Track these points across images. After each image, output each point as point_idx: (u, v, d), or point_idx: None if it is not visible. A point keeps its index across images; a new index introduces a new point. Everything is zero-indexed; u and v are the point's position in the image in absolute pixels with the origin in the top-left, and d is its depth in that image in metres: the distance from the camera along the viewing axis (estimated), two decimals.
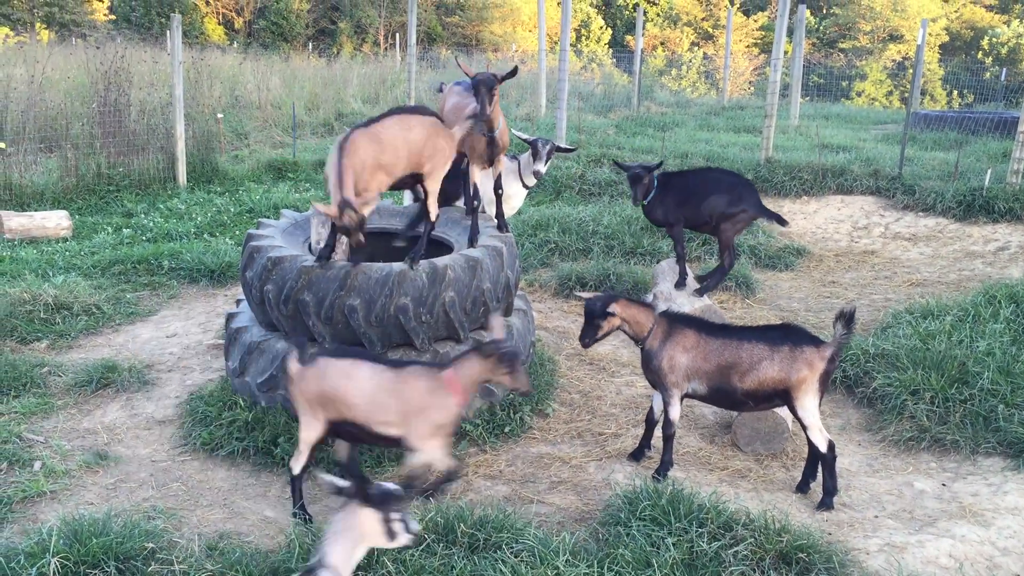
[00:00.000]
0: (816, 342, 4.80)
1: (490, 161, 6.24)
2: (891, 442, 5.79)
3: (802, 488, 5.12)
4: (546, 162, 7.03)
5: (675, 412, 5.07)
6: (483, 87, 5.58)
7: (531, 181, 7.28)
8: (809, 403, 4.77)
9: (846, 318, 4.71)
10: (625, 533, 4.29)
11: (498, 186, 6.45)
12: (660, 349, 5.00)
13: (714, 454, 5.65)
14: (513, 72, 5.93)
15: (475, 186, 6.40)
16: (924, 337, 6.54)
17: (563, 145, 7.36)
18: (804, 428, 4.85)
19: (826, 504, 4.90)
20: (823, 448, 4.83)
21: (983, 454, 5.53)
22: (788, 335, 4.84)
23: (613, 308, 5.05)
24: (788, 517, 4.62)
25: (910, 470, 5.46)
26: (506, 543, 4.16)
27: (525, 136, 7.15)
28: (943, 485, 5.24)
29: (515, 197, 7.39)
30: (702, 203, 6.99)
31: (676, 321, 5.10)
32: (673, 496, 4.46)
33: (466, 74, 5.81)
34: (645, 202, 6.82)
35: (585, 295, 5.30)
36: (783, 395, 4.81)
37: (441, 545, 4.19)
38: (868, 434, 5.97)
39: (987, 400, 5.74)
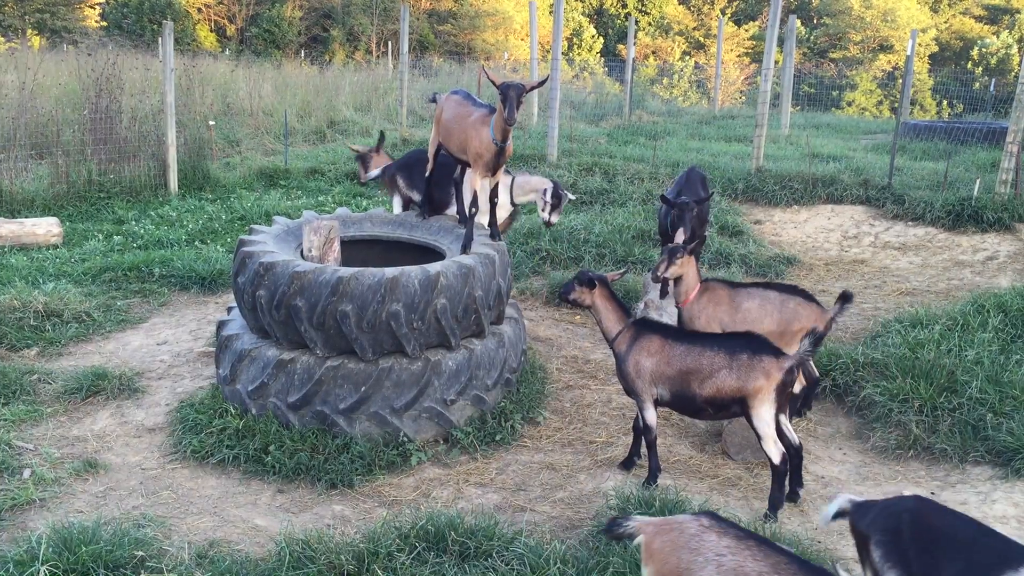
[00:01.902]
0: (776, 353, 4.80)
1: (494, 170, 6.27)
2: (880, 450, 5.81)
3: (791, 497, 5.13)
4: (559, 212, 7.27)
5: (650, 416, 5.10)
6: (512, 92, 5.62)
7: (521, 201, 7.37)
8: (764, 413, 4.76)
9: (815, 337, 4.72)
10: (616, 542, 4.29)
11: (494, 195, 6.48)
12: (627, 353, 5.07)
13: (704, 462, 5.66)
14: (543, 82, 6.06)
15: (474, 193, 6.41)
16: (913, 346, 6.57)
17: (570, 195, 7.54)
18: (758, 438, 4.84)
19: (769, 518, 4.87)
20: (776, 460, 4.81)
21: (972, 463, 5.56)
22: (749, 344, 4.86)
23: (583, 288, 5.25)
24: (778, 525, 4.65)
25: (899, 479, 5.48)
26: (497, 551, 4.17)
27: (541, 187, 7.25)
28: (932, 494, 5.26)
29: (503, 209, 7.45)
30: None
31: (643, 327, 5.15)
32: (663, 504, 4.47)
33: (492, 82, 5.84)
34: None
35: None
36: (740, 403, 4.81)
37: (432, 553, 4.19)
38: (857, 442, 6.00)
39: (976, 409, 5.77)
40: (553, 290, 8.73)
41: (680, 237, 6.45)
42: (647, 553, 3.26)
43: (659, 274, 5.71)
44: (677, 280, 5.82)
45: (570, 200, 7.54)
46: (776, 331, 5.60)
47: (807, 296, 5.83)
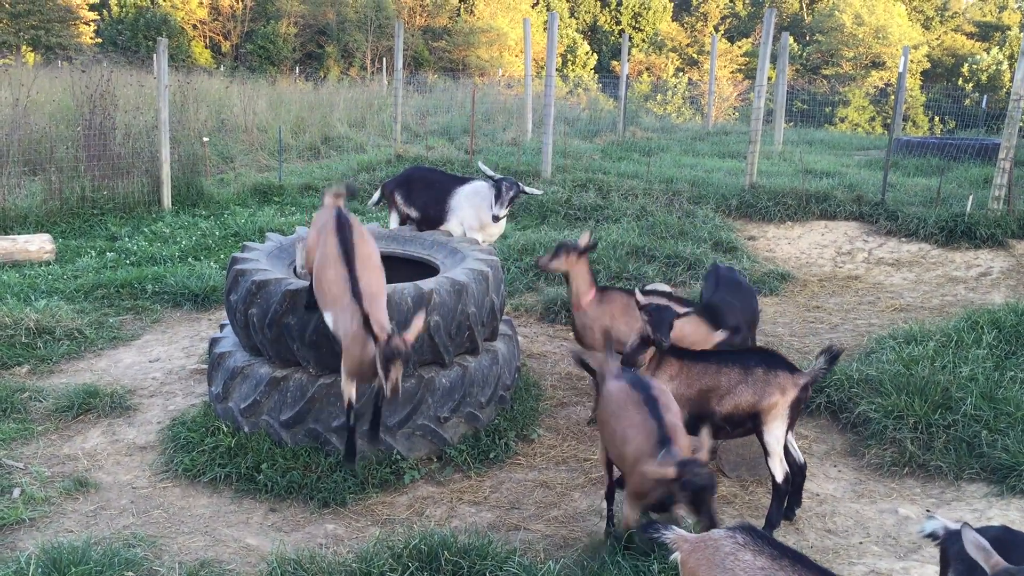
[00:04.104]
0: (791, 369, 4.79)
1: None
2: (875, 468, 5.79)
3: (787, 515, 5.10)
4: (507, 206, 7.16)
5: None
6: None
7: (500, 212, 7.39)
8: (777, 429, 4.74)
9: (831, 355, 4.69)
10: (611, 561, 4.27)
11: None
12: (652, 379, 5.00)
13: None
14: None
15: None
16: (907, 362, 6.56)
17: (529, 189, 7.49)
18: (766, 454, 4.81)
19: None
20: (779, 478, 4.78)
21: (967, 480, 5.54)
22: (763, 360, 4.84)
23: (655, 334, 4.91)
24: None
25: (894, 496, 5.46)
26: (490, 571, 4.13)
27: (491, 173, 7.23)
28: (927, 511, 5.24)
29: (493, 225, 7.50)
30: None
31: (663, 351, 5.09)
32: (656, 523, 4.44)
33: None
34: None
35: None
36: (754, 419, 4.79)
37: (425, 573, 4.16)
38: (852, 459, 5.98)
39: (970, 426, 5.75)
40: (547, 306, 8.71)
41: None
42: (683, 569, 3.26)
43: (538, 262, 5.77)
44: (568, 280, 5.80)
45: (530, 193, 7.51)
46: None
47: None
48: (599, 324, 5.66)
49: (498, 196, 7.06)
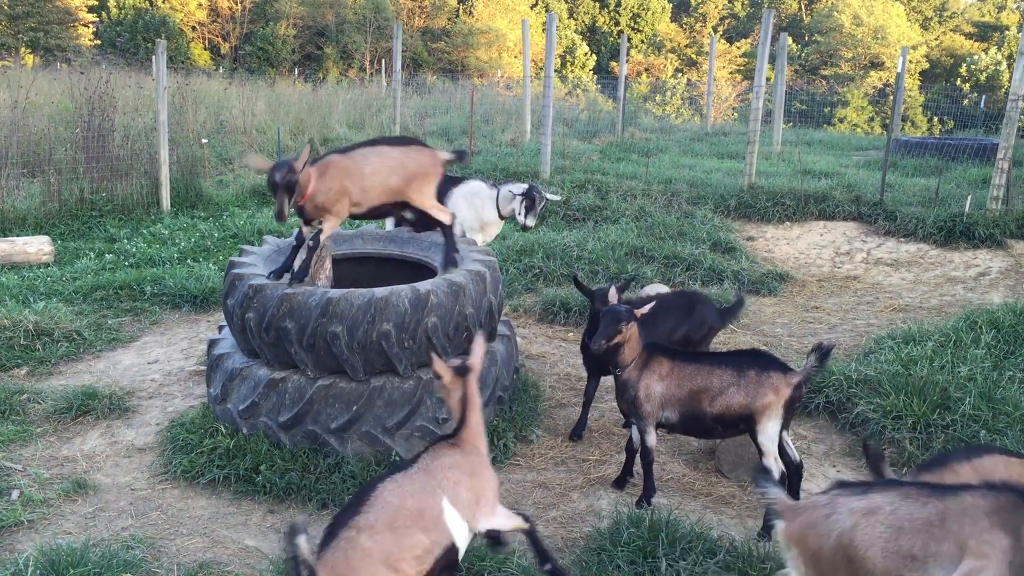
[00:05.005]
0: (784, 368, 4.79)
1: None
2: None
3: None
4: (537, 216, 7.16)
5: (651, 440, 5.06)
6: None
7: (508, 213, 7.36)
8: (770, 429, 4.74)
9: (822, 352, 4.69)
10: (609, 561, 4.27)
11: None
12: (637, 380, 4.99)
13: (698, 480, 5.64)
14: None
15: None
16: (906, 363, 6.56)
17: (550, 195, 7.49)
18: (760, 454, 4.81)
19: (764, 537, 4.82)
20: (775, 477, 4.78)
21: None
22: (756, 360, 4.84)
23: (627, 324, 4.92)
24: (773, 544, 4.62)
25: None
26: (489, 572, 4.14)
27: (518, 191, 7.22)
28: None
29: (493, 225, 7.48)
30: None
31: (653, 351, 5.10)
32: (653, 524, 4.45)
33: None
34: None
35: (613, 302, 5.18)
36: (747, 420, 4.79)
37: None
38: (851, 460, 5.98)
39: (969, 426, 5.76)
40: (546, 307, 8.71)
41: None
42: (788, 538, 3.30)
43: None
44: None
45: (551, 200, 7.48)
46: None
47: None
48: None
49: (531, 207, 7.06)
